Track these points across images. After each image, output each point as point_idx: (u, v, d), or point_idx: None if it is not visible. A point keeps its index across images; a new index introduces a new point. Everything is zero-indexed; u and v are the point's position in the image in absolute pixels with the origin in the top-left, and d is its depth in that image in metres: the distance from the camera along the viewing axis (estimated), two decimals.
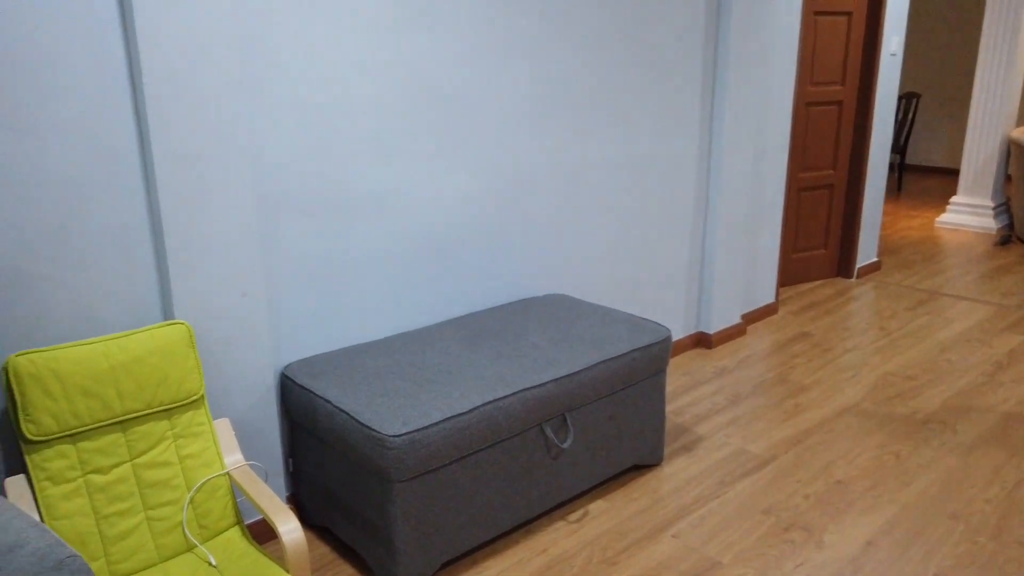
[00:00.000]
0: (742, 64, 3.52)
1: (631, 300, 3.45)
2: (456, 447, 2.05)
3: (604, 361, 2.39)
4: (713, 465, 2.72)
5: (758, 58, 3.60)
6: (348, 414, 2.04)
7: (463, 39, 2.57)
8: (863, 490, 2.55)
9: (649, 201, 3.40)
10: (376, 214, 2.47)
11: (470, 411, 2.07)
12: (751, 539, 2.31)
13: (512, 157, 2.82)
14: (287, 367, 2.34)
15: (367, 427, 1.98)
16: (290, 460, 2.41)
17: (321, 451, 2.23)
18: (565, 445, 2.31)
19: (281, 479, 2.37)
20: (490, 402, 2.11)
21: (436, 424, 2.00)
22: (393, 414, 2.01)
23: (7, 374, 1.77)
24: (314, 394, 2.17)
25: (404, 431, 1.95)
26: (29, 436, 1.76)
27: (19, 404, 1.76)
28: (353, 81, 2.33)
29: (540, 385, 2.23)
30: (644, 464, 2.68)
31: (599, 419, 2.44)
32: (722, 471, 2.68)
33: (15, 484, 1.77)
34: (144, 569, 1.87)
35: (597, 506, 2.48)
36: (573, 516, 2.43)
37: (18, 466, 1.89)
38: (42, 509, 1.78)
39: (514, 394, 2.16)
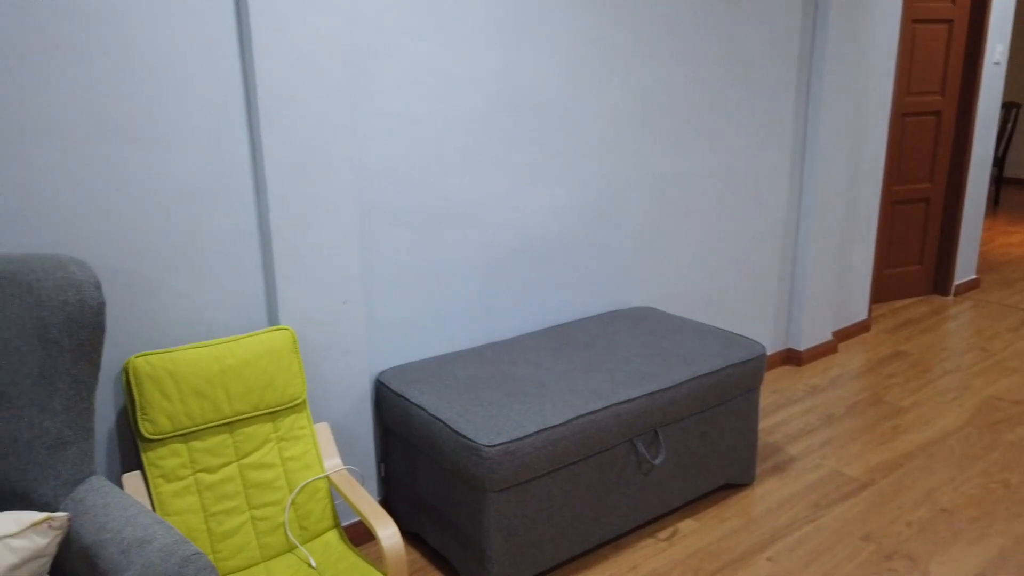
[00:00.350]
0: (838, 74, 3.42)
1: (718, 314, 3.38)
2: (549, 459, 2.05)
3: (697, 377, 2.35)
4: (807, 487, 2.64)
5: (855, 67, 3.50)
6: (443, 422, 2.07)
7: (557, 52, 2.58)
8: (970, 519, 2.43)
9: (739, 213, 3.33)
10: (469, 225, 2.50)
11: (563, 424, 2.06)
12: (851, 566, 2.23)
13: (603, 169, 2.81)
14: (381, 374, 2.38)
15: (462, 436, 2.00)
16: (382, 465, 2.45)
17: (414, 458, 2.26)
18: (657, 461, 2.27)
19: (373, 484, 2.41)
20: (583, 415, 2.10)
21: (530, 436, 2.00)
22: (487, 424, 2.02)
23: (127, 374, 1.85)
24: (409, 401, 2.20)
25: (499, 441, 1.96)
26: (145, 434, 1.85)
27: (137, 403, 1.84)
28: (449, 94, 2.36)
29: (633, 399, 2.20)
30: (735, 483, 2.62)
31: (691, 436, 2.40)
32: (817, 493, 2.60)
33: (132, 480, 1.86)
34: (248, 567, 1.93)
35: (687, 524, 2.44)
36: (663, 534, 2.39)
37: (134, 463, 1.98)
38: (156, 505, 1.86)
39: (607, 408, 2.15)
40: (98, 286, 1.59)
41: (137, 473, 1.87)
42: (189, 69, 1.89)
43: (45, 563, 1.22)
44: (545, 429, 2.03)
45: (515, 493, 2.02)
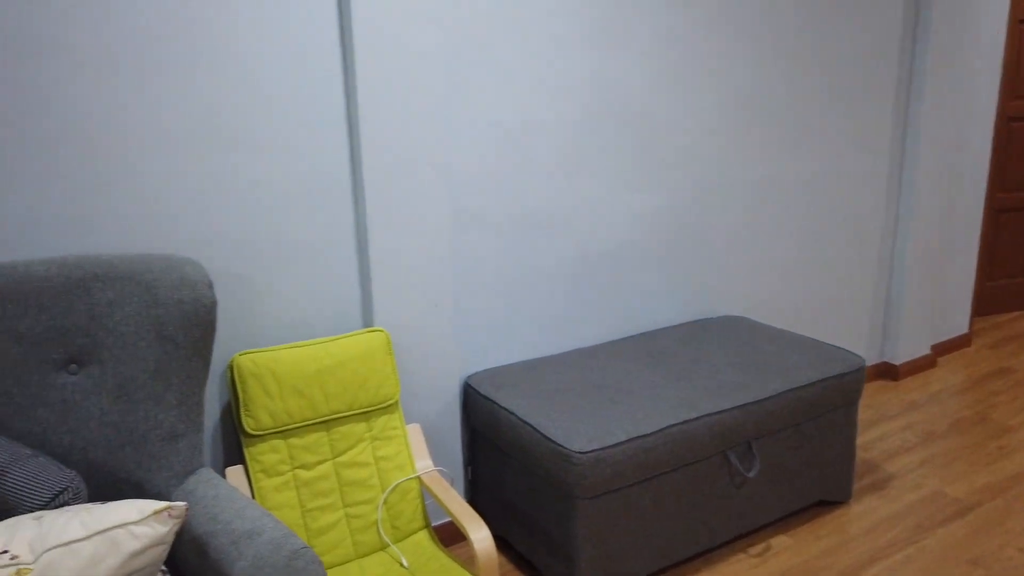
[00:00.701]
0: (939, 76, 3.27)
1: (811, 325, 3.28)
2: (640, 468, 2.02)
3: (793, 389, 2.28)
4: (908, 507, 2.52)
5: (957, 69, 3.34)
6: (533, 427, 2.06)
7: (650, 57, 2.55)
8: None
9: (833, 221, 3.22)
10: (558, 230, 2.50)
11: (655, 433, 2.03)
12: None
13: (693, 175, 2.77)
14: (470, 377, 2.40)
15: (553, 441, 1.99)
16: (469, 468, 2.47)
17: (502, 462, 2.27)
18: (751, 474, 2.22)
19: (460, 486, 2.43)
20: (675, 425, 2.07)
21: (621, 443, 1.98)
22: (578, 430, 2.01)
23: (232, 372, 1.92)
24: (498, 405, 2.21)
25: (590, 448, 1.94)
26: (248, 430, 1.91)
27: (241, 400, 1.91)
28: (542, 101, 2.37)
29: (726, 411, 2.15)
30: (830, 500, 2.53)
31: (785, 449, 2.33)
32: (919, 514, 2.48)
33: (235, 473, 1.92)
34: (342, 564, 1.97)
35: (780, 541, 2.36)
36: (755, 549, 2.33)
37: (236, 458, 2.05)
38: (256, 499, 1.91)
39: (699, 418, 2.11)
40: (210, 286, 1.66)
41: (240, 467, 1.93)
42: (294, 80, 1.95)
43: (163, 551, 1.28)
44: (637, 437, 2.00)
45: (605, 501, 2.00)
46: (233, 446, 2.05)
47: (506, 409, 2.18)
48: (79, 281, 1.56)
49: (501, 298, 2.44)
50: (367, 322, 2.18)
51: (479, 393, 2.30)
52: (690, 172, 2.76)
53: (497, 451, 2.28)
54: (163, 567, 1.42)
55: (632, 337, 2.69)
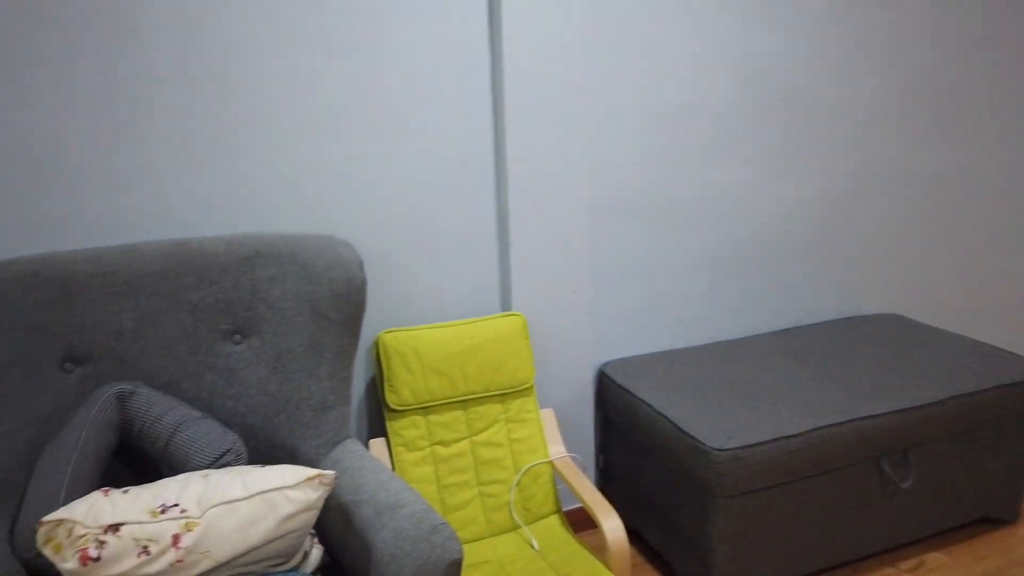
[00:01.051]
0: None
1: (978, 326, 3.01)
2: (782, 470, 1.93)
3: (957, 396, 2.10)
4: None
5: None
6: (670, 420, 2.02)
7: (810, 37, 2.41)
8: None
9: (1001, 216, 2.93)
10: (702, 219, 2.42)
11: (800, 434, 1.93)
12: None
13: (851, 163, 2.59)
14: (605, 365, 2.37)
15: (691, 436, 1.94)
16: (600, 456, 2.45)
17: (635, 452, 2.24)
18: (905, 485, 2.07)
19: (591, 474, 2.42)
20: (822, 427, 1.95)
21: (763, 443, 1.90)
22: (717, 427, 1.94)
23: (377, 348, 2.00)
24: (634, 396, 2.17)
25: (729, 446, 1.88)
26: (391, 405, 1.98)
27: (385, 376, 1.98)
28: (693, 83, 2.29)
29: (880, 415, 2.01)
30: (995, 518, 2.32)
31: (946, 461, 2.16)
32: None
33: (377, 446, 2.01)
34: (475, 540, 2.02)
35: (935, 558, 2.20)
36: (906, 564, 2.17)
37: (378, 431, 2.14)
38: (397, 471, 1.99)
39: (849, 422, 1.98)
40: (361, 266, 1.72)
41: (382, 440, 2.02)
42: (444, 68, 1.99)
43: (313, 515, 1.35)
44: (780, 438, 1.91)
45: (744, 501, 1.93)
46: (376, 420, 2.14)
47: (642, 400, 2.14)
48: (244, 258, 1.67)
49: (640, 286, 2.40)
50: (505, 306, 2.21)
51: (614, 382, 2.28)
52: (849, 160, 2.58)
53: (631, 441, 2.25)
54: (312, 530, 1.50)
55: (777, 332, 2.58)
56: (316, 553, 1.47)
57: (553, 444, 2.13)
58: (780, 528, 1.99)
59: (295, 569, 1.37)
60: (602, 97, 2.19)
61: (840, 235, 2.64)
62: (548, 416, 2.16)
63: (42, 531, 1.20)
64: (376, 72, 1.93)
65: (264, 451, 1.68)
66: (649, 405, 2.11)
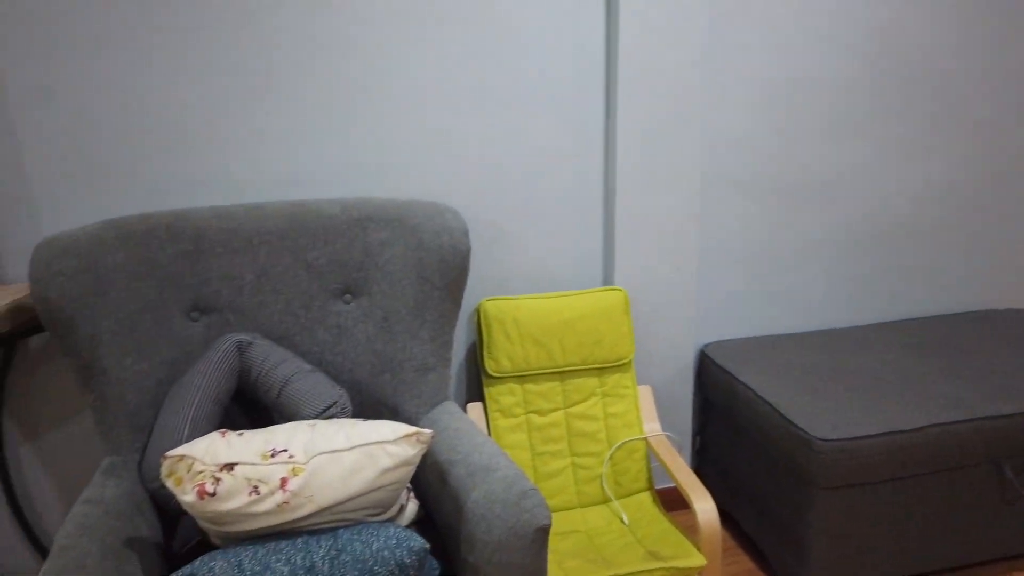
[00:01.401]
0: None
1: None
2: (891, 466, 1.84)
3: None
4: None
5: None
6: (772, 406, 1.96)
7: (952, 7, 2.23)
8: None
9: None
10: (820, 200, 2.31)
11: (914, 430, 1.83)
12: None
13: (990, 147, 2.40)
14: (706, 346, 2.33)
15: (793, 424, 1.88)
16: (697, 438, 2.42)
17: (733, 436, 2.19)
18: None
19: (687, 454, 2.39)
20: (939, 424, 1.85)
21: (872, 437, 1.81)
22: (822, 416, 1.87)
23: (478, 315, 2.04)
24: (735, 378, 2.12)
25: (835, 437, 1.81)
26: (489, 371, 2.02)
27: (485, 342, 2.02)
28: (818, 57, 2.18)
29: (1004, 416, 1.88)
30: None
31: None
32: None
33: (474, 410, 2.05)
34: (565, 509, 2.04)
35: None
36: None
37: (475, 395, 2.19)
38: (491, 436, 2.03)
39: (969, 421, 1.86)
40: (467, 233, 1.76)
41: (479, 404, 2.06)
42: (558, 38, 1.98)
43: (410, 471, 1.40)
44: (892, 432, 1.82)
45: (847, 495, 1.86)
46: (474, 384, 2.18)
47: (744, 384, 2.09)
48: (358, 221, 1.73)
49: (748, 267, 2.33)
50: (607, 280, 2.19)
51: (715, 363, 2.23)
52: (984, 144, 2.40)
53: (730, 425, 2.21)
54: (408, 485, 1.56)
55: (894, 323, 2.44)
56: (412, 507, 1.52)
57: (649, 421, 2.11)
58: (885, 525, 1.91)
59: (391, 520, 1.44)
60: (721, 70, 2.12)
61: (971, 223, 2.47)
62: (645, 393, 2.14)
63: (165, 464, 1.30)
64: (490, 41, 1.94)
65: (368, 406, 1.75)
66: (751, 389, 2.05)
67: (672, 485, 2.35)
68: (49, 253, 1.51)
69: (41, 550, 1.97)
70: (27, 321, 1.72)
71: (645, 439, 2.08)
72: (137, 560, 1.32)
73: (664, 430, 2.33)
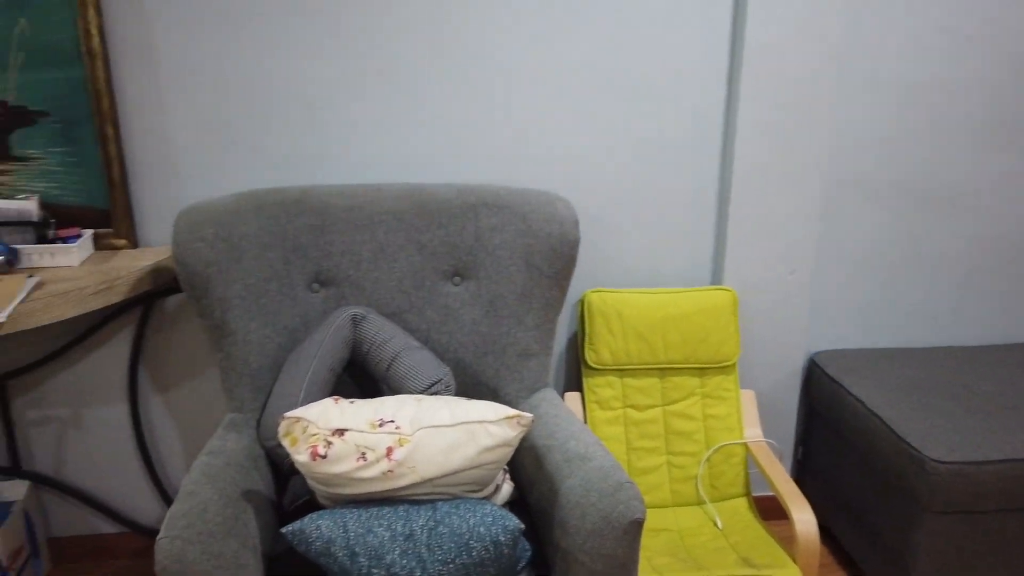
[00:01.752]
0: None
1: None
2: (1012, 495, 1.73)
3: None
4: None
5: None
6: (883, 421, 1.88)
7: None
8: None
9: None
10: (955, 210, 2.18)
11: None
12: None
13: None
14: (817, 354, 2.25)
15: (904, 442, 1.79)
16: (800, 447, 2.35)
17: (839, 449, 2.11)
18: None
19: (788, 463, 2.33)
20: None
21: (993, 463, 1.71)
22: (936, 436, 1.78)
23: (582, 306, 2.05)
24: (845, 390, 2.05)
25: (951, 459, 1.71)
26: (590, 362, 2.03)
27: (587, 333, 2.03)
28: (953, 54, 2.05)
29: None
30: None
31: None
32: None
33: (572, 399, 2.07)
34: (658, 507, 2.03)
35: None
36: None
37: (574, 385, 2.20)
38: (588, 427, 2.04)
39: None
40: (576, 223, 1.77)
41: (577, 394, 2.08)
42: (684, 31, 1.95)
43: (508, 452, 1.43)
44: (1013, 460, 1.71)
45: (959, 521, 1.76)
46: (574, 374, 2.20)
47: (854, 396, 2.01)
48: (471, 206, 1.78)
49: (869, 275, 2.23)
50: (716, 279, 2.16)
51: (825, 373, 2.16)
52: None
53: (836, 437, 2.13)
54: (505, 467, 1.59)
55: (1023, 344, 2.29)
56: (507, 488, 1.56)
57: (750, 427, 2.07)
58: (1000, 559, 1.80)
59: (487, 499, 1.47)
60: (854, 67, 2.04)
61: None
62: (748, 397, 2.10)
63: (283, 425, 1.39)
64: (611, 33, 1.93)
65: (470, 386, 1.80)
66: (861, 402, 1.97)
67: (769, 494, 2.29)
68: (190, 220, 1.63)
69: (164, 495, 2.13)
70: (166, 282, 1.86)
71: (745, 444, 2.04)
72: (252, 511, 1.41)
73: (766, 437, 2.27)
